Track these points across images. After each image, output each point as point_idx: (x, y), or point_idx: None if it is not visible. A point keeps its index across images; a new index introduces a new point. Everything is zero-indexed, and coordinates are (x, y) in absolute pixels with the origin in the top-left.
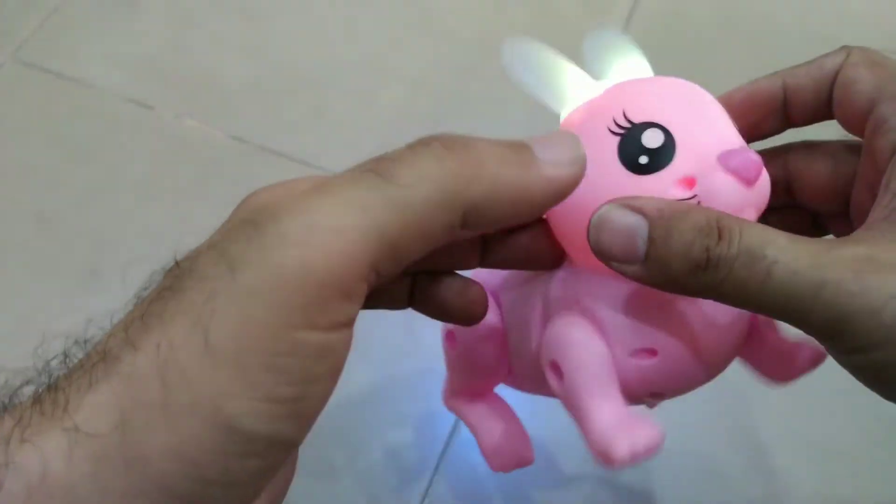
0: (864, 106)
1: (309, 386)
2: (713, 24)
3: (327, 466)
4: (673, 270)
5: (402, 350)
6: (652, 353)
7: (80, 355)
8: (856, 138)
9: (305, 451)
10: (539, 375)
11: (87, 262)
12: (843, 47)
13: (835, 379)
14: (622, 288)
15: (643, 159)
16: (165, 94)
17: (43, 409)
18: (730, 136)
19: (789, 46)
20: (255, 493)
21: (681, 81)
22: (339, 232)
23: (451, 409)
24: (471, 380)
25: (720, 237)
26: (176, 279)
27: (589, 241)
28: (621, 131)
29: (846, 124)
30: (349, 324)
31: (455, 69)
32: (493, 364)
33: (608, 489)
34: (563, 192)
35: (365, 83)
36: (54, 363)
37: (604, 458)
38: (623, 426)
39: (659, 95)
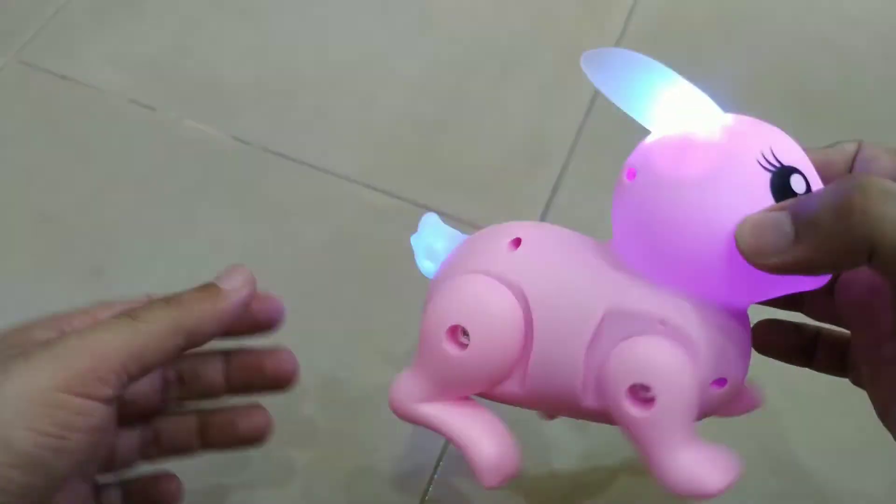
0: (889, 177)
1: (70, 431)
2: (712, 25)
3: (327, 466)
4: (825, 225)
5: (402, 351)
6: (723, 382)
7: None
8: None
9: (306, 450)
10: (569, 388)
11: (89, 262)
12: (849, 141)
13: (836, 378)
14: (713, 311)
15: None
16: (167, 95)
17: None
18: None
19: (787, 47)
20: None
21: (785, 135)
22: (98, 343)
23: (413, 414)
24: (466, 386)
25: (856, 175)
26: None
27: (739, 247)
28: (772, 168)
29: None
30: (104, 400)
31: (455, 70)
32: (506, 370)
33: (609, 484)
34: (244, 302)
35: (366, 84)
36: None
37: (695, 492)
38: (713, 460)
39: (793, 144)
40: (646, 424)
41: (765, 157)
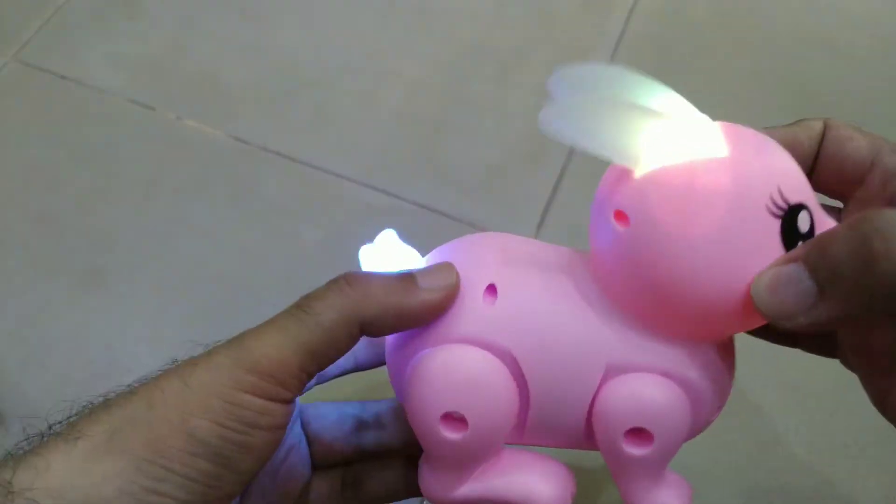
0: (865, 159)
1: (252, 429)
2: (712, 25)
3: None
4: (848, 276)
5: None
6: (719, 409)
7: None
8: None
9: None
10: (570, 437)
11: (89, 262)
12: (814, 118)
13: (835, 377)
14: (708, 351)
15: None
16: (167, 94)
17: (54, 437)
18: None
19: (787, 47)
20: (205, 497)
21: (781, 149)
22: (274, 345)
23: (464, 499)
24: (480, 459)
25: (872, 218)
26: (167, 367)
27: (760, 310)
28: (781, 213)
29: (837, 181)
30: (285, 401)
31: (455, 70)
32: (507, 434)
33: (602, 482)
34: (437, 309)
35: (365, 84)
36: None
37: None
38: (680, 497)
39: (796, 171)
40: (638, 463)
41: (774, 202)
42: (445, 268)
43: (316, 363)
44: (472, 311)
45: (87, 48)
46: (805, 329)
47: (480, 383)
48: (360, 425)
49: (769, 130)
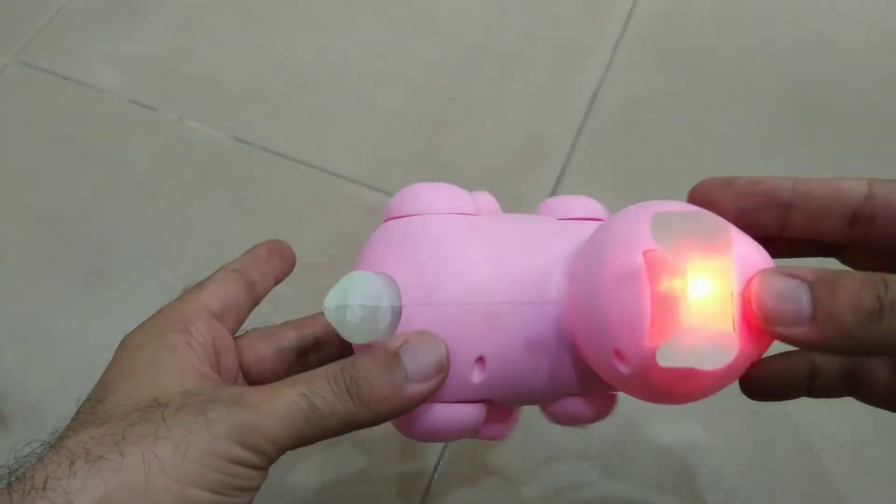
0: None
1: (241, 492)
2: (711, 25)
3: (328, 466)
4: (846, 323)
5: None
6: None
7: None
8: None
9: (306, 451)
10: (538, 393)
11: (90, 263)
12: (862, 178)
13: None
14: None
15: None
16: (168, 95)
17: (40, 499)
18: None
19: (786, 47)
20: None
21: None
22: (274, 430)
23: None
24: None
25: (887, 286)
26: (151, 413)
27: (752, 307)
28: None
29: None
30: (266, 468)
31: (455, 71)
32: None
33: (601, 485)
34: (430, 395)
35: (366, 85)
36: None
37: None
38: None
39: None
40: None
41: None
42: (435, 350)
43: (301, 444)
44: (465, 383)
45: (88, 48)
46: (780, 339)
47: (465, 427)
48: (300, 353)
49: (806, 180)
